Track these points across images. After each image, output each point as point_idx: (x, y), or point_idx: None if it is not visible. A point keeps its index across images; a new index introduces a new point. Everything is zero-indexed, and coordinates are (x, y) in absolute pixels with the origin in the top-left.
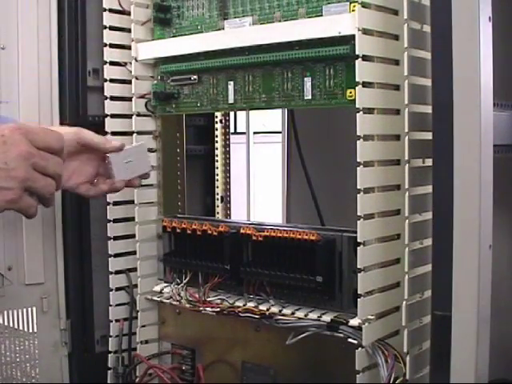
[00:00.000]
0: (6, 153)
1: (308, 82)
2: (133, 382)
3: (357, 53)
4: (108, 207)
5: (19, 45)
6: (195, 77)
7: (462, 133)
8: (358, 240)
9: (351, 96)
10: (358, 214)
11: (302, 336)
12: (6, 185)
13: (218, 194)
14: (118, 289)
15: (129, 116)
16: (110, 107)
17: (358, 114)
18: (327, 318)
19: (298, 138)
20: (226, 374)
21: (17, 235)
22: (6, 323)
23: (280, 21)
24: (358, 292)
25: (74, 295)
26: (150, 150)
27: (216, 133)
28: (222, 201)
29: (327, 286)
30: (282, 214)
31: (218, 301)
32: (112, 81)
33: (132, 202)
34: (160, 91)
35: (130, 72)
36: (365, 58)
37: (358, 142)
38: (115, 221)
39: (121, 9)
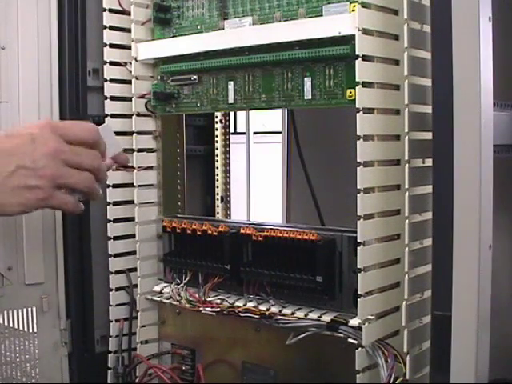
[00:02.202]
0: (34, 152)
1: (308, 82)
2: (133, 382)
3: (357, 53)
4: (108, 207)
5: (19, 45)
6: (195, 77)
7: (462, 133)
8: (358, 240)
9: (351, 96)
10: (358, 213)
11: (302, 336)
12: (35, 183)
13: (217, 194)
14: (117, 289)
15: (129, 116)
16: (110, 107)
17: (357, 114)
18: (327, 317)
19: (298, 138)
20: (226, 374)
21: (17, 235)
22: (6, 323)
23: (280, 21)
24: (358, 292)
25: (74, 295)
26: (150, 150)
27: (216, 133)
28: (222, 201)
29: (327, 286)
30: (282, 214)
31: (218, 301)
32: (112, 81)
33: (132, 201)
34: (160, 91)
35: (130, 72)
36: (365, 58)
37: (357, 142)
38: (115, 221)
39: (121, 9)
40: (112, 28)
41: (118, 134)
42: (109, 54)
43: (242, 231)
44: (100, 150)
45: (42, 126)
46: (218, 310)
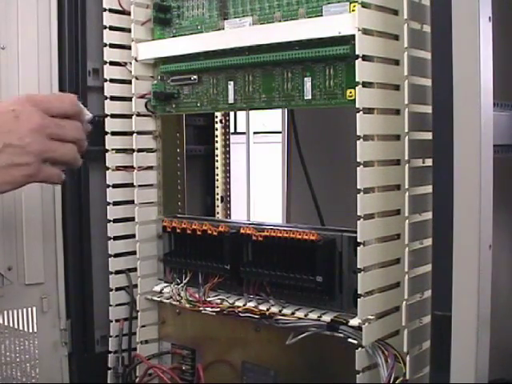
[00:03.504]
0: (19, 128)
1: (308, 81)
2: (133, 382)
3: (357, 53)
4: (108, 207)
5: (19, 45)
6: (195, 77)
7: (462, 133)
8: (358, 240)
9: (351, 96)
10: (358, 213)
11: (302, 336)
12: (23, 160)
13: (217, 193)
14: (117, 289)
15: (129, 116)
16: (110, 107)
17: (357, 114)
18: (327, 318)
19: (298, 138)
20: (226, 374)
21: (17, 235)
22: (6, 323)
23: (280, 21)
24: (358, 292)
25: (74, 295)
26: (150, 150)
27: (216, 133)
28: (222, 201)
29: (327, 286)
30: (282, 214)
31: (218, 301)
32: (112, 81)
33: (132, 201)
34: (160, 91)
35: (130, 72)
36: (365, 58)
37: (357, 142)
38: (115, 221)
39: (121, 9)
40: (112, 28)
41: (118, 134)
42: (109, 54)
43: (242, 231)
44: (80, 119)
45: (23, 102)
46: (218, 309)
